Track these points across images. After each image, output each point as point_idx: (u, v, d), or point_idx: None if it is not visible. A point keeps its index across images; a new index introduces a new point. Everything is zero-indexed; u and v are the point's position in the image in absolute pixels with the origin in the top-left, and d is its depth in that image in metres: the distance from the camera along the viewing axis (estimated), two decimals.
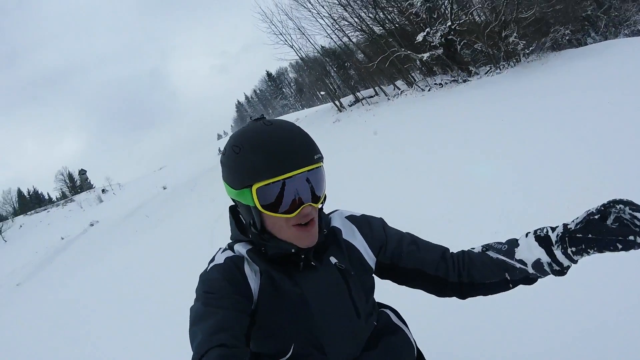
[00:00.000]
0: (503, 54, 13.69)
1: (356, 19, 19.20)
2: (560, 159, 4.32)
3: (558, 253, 0.89)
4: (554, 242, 0.90)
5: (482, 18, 16.13)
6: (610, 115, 4.99)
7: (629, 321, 1.93)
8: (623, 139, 4.11)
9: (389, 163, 6.99)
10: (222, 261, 1.01)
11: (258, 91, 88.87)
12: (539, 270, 0.93)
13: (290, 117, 33.92)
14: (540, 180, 3.93)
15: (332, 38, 21.76)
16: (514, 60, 13.44)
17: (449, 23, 14.33)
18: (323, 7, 19.57)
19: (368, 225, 1.15)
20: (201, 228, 7.94)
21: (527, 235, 0.97)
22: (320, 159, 0.95)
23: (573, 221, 0.88)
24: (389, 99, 17.77)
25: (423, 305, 1.73)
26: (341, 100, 23.49)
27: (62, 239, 21.71)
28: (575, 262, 0.88)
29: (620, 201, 0.81)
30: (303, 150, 0.91)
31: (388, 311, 1.22)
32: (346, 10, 18.95)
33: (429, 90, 15.17)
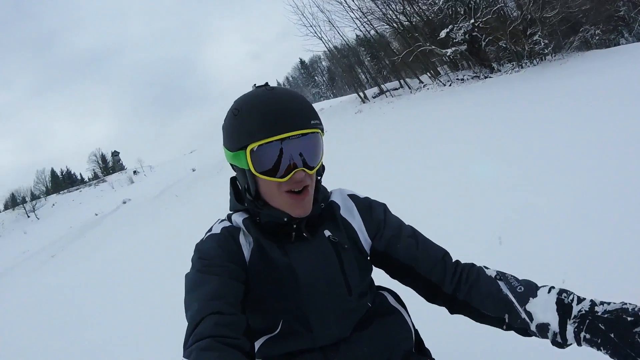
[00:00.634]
0: (527, 52, 14.03)
1: (383, 12, 19.74)
2: (558, 158, 4.41)
3: (570, 329, 0.80)
4: (572, 316, 0.80)
5: (508, 15, 16.43)
6: (612, 119, 5.03)
7: None
8: (622, 140, 4.14)
9: (388, 154, 7.53)
10: (219, 231, 1.03)
11: (290, 78, 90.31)
12: (540, 332, 0.85)
13: (316, 106, 34.56)
14: (542, 178, 3.93)
15: (360, 30, 22.36)
16: (538, 59, 13.77)
17: (472, 20, 14.72)
18: (353, 0, 20.25)
19: (369, 206, 1.13)
20: (225, 205, 8.84)
21: (549, 290, 0.86)
22: (318, 125, 0.94)
23: (602, 304, 0.79)
24: (411, 92, 18.27)
25: None
26: (366, 92, 24.00)
27: (96, 215, 23.09)
28: (579, 345, 0.79)
29: None
30: (299, 114, 0.91)
31: (386, 293, 1.19)
32: (375, 4, 19.54)
33: (450, 85, 15.66)
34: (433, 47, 16.49)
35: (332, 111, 22.93)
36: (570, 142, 4.80)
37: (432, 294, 1.05)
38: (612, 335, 0.74)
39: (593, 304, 0.79)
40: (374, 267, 1.14)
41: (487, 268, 1.01)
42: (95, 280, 6.95)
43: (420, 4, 17.90)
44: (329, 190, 1.17)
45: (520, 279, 0.94)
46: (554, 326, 0.81)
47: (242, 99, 0.97)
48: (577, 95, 7.19)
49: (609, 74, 8.47)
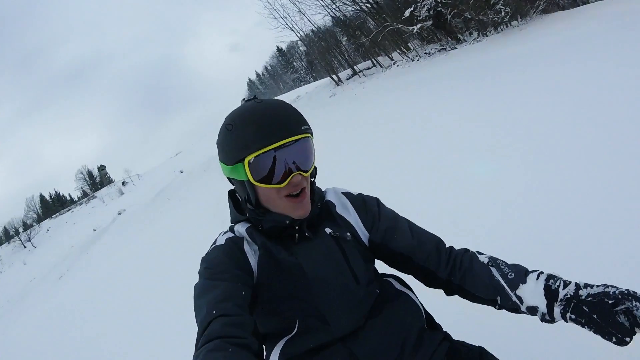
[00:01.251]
0: (490, 21, 14.53)
1: None
2: (486, 125, 4.81)
3: (557, 310, 0.91)
4: (558, 300, 0.91)
5: None
6: (554, 85, 5.25)
7: None
8: (569, 105, 4.32)
9: (359, 136, 8.00)
10: (223, 242, 1.07)
11: (269, 67, 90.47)
12: (530, 312, 0.96)
13: (293, 94, 34.72)
14: (501, 145, 4.12)
15: (331, 16, 22.97)
16: (502, 27, 14.30)
17: None
18: None
19: (362, 202, 1.20)
20: (214, 201, 9.41)
21: (538, 277, 0.97)
22: (307, 130, 1.01)
23: (587, 287, 0.89)
24: (382, 71, 18.94)
25: None
26: (340, 74, 24.57)
27: (94, 230, 23.31)
28: (566, 322, 0.90)
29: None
30: (290, 122, 0.98)
31: (391, 279, 1.25)
32: None
33: (417, 59, 16.36)
34: (400, 25, 17.13)
35: (308, 97, 23.44)
36: (511, 103, 5.28)
37: (428, 280, 1.16)
38: (595, 316, 0.84)
39: (578, 287, 0.90)
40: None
41: (480, 253, 1.12)
42: (105, 294, 7.14)
43: None
44: (322, 189, 1.25)
45: (510, 264, 1.05)
46: (542, 308, 0.93)
47: (234, 114, 1.03)
48: (525, 60, 7.66)
49: (563, 35, 8.75)
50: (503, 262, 1.07)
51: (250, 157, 0.96)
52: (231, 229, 1.14)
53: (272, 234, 1.08)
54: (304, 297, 1.04)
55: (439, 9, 15.67)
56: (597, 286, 0.88)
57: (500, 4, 14.00)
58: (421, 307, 1.21)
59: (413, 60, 16.71)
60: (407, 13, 15.99)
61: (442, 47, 15.88)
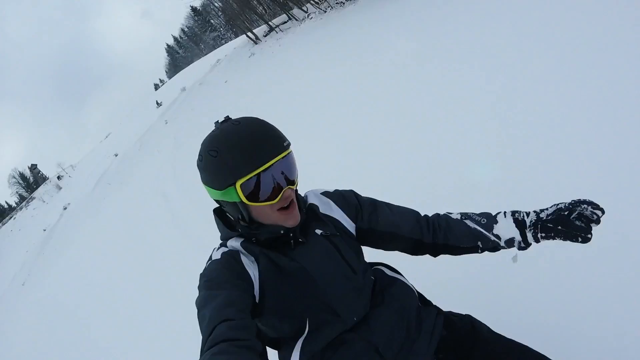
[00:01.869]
0: None
1: None
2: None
3: (529, 235, 1.12)
4: (527, 226, 1.12)
5: None
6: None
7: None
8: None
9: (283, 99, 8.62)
10: (220, 256, 1.11)
11: (186, 29, 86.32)
12: (508, 244, 1.16)
13: (213, 57, 33.27)
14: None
15: None
16: None
17: None
18: None
19: (342, 197, 1.30)
20: (154, 178, 9.86)
21: (505, 215, 1.18)
22: (289, 145, 1.07)
23: (543, 211, 1.12)
24: (299, 25, 19.14)
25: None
26: (256, 31, 24.10)
27: (44, 230, 22.67)
28: (538, 242, 1.12)
29: (584, 201, 1.04)
30: (274, 141, 1.03)
31: (381, 267, 1.38)
32: None
33: (330, 9, 16.78)
34: None
35: (228, 60, 22.93)
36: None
37: (416, 249, 1.30)
38: (559, 227, 1.06)
39: (537, 213, 1.13)
40: (362, 246, 1.31)
41: (450, 213, 1.30)
42: (74, 291, 7.21)
43: None
44: (302, 194, 1.31)
45: (478, 213, 1.25)
46: (518, 237, 1.14)
47: (216, 139, 1.05)
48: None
49: None
50: (472, 213, 1.26)
51: (242, 181, 1.00)
52: (224, 245, 1.17)
53: (267, 245, 1.14)
54: (312, 295, 1.11)
55: None
56: (550, 207, 1.12)
57: None
58: (413, 289, 1.34)
59: (325, 12, 17.07)
60: None
61: None
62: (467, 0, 6.66)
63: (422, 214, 1.32)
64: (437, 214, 1.32)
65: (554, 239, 1.09)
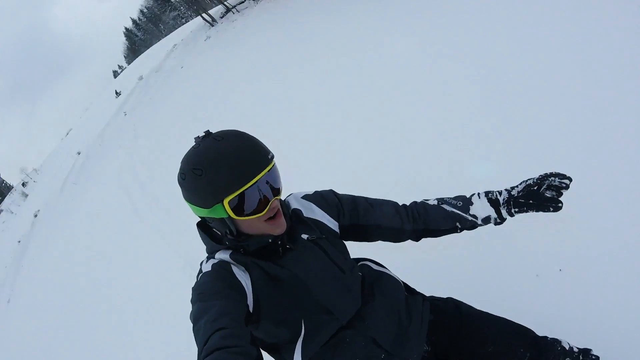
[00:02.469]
0: None
1: None
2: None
3: (504, 212, 1.23)
4: (501, 204, 1.23)
5: None
6: None
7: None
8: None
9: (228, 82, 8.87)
10: (210, 268, 1.13)
11: (145, 10, 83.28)
12: (485, 222, 1.27)
13: (169, 42, 32.38)
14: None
15: None
16: None
17: None
18: None
19: (322, 197, 1.34)
20: (116, 175, 9.78)
21: (479, 196, 1.28)
22: (273, 157, 1.09)
23: (514, 188, 1.23)
24: (255, 4, 18.54)
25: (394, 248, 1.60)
26: (211, 12, 23.42)
27: (19, 242, 22.32)
28: (512, 216, 1.24)
29: (552, 174, 1.15)
30: (258, 155, 1.05)
31: (367, 262, 1.45)
32: None
33: None
34: None
35: (184, 45, 22.38)
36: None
37: (398, 236, 1.37)
38: (531, 201, 1.18)
39: (508, 191, 1.25)
40: (346, 242, 1.37)
41: (427, 199, 1.38)
42: (60, 301, 6.89)
43: None
44: (284, 200, 1.34)
45: (453, 197, 1.34)
46: (493, 215, 1.25)
47: (199, 157, 1.05)
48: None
49: None
50: (447, 197, 1.35)
51: (229, 198, 1.02)
52: (211, 257, 1.20)
53: (256, 254, 1.17)
54: (306, 300, 1.16)
55: None
56: (520, 184, 1.23)
57: None
58: (399, 280, 1.42)
59: None
60: None
61: None
62: None
63: (401, 204, 1.40)
64: (414, 202, 1.40)
65: (526, 212, 1.22)
